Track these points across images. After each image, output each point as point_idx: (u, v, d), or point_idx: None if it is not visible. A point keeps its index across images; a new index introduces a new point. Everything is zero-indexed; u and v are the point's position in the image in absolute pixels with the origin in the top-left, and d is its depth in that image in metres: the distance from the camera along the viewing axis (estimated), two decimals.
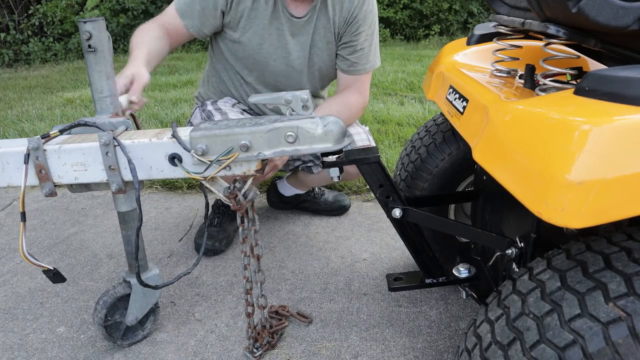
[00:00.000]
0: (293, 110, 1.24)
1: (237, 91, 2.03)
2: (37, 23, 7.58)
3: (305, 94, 1.20)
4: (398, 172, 1.81)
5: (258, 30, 1.84)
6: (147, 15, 7.82)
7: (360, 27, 1.87)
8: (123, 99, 1.44)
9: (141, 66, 1.59)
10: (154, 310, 1.62)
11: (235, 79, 2.01)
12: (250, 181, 1.31)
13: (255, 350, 1.53)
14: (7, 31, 7.49)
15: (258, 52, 1.88)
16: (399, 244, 2.06)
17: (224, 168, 1.22)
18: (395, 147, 3.06)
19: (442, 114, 1.73)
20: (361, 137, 1.97)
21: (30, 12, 7.60)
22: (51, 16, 7.51)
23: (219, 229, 2.13)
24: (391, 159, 2.83)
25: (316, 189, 2.43)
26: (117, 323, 1.54)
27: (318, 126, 1.19)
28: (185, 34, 1.86)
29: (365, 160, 1.32)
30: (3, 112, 4.35)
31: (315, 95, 2.05)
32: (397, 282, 1.51)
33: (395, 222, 1.39)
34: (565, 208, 0.71)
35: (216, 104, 1.98)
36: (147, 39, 1.75)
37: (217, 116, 1.86)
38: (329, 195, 2.45)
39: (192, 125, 2.04)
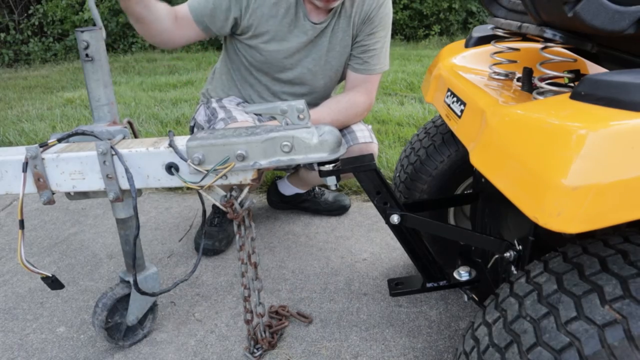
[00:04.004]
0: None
1: (246, 91, 2.03)
2: (37, 23, 7.58)
3: (301, 104, 1.21)
4: (397, 174, 1.82)
5: (276, 37, 1.85)
6: None
7: (375, 29, 1.89)
8: None
9: None
10: (152, 309, 1.63)
11: (247, 79, 2.01)
12: (246, 190, 1.32)
13: (255, 351, 1.54)
14: (7, 31, 7.49)
15: (275, 57, 1.89)
16: (399, 244, 2.06)
17: (221, 177, 1.23)
18: (395, 147, 3.06)
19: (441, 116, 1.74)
20: (364, 133, 1.98)
21: (30, 12, 7.60)
22: (51, 16, 7.51)
23: (218, 228, 2.14)
24: (391, 159, 2.84)
25: (316, 188, 2.43)
26: (117, 324, 1.55)
27: (314, 136, 1.20)
28: (194, 28, 1.82)
29: (361, 168, 1.32)
30: (3, 112, 4.36)
31: (326, 97, 2.06)
32: (398, 287, 1.52)
33: (393, 228, 1.40)
34: (561, 213, 0.71)
35: (221, 102, 1.99)
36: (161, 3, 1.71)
37: (221, 114, 1.87)
38: (329, 195, 2.45)
39: (195, 121, 2.05)
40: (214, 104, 1.98)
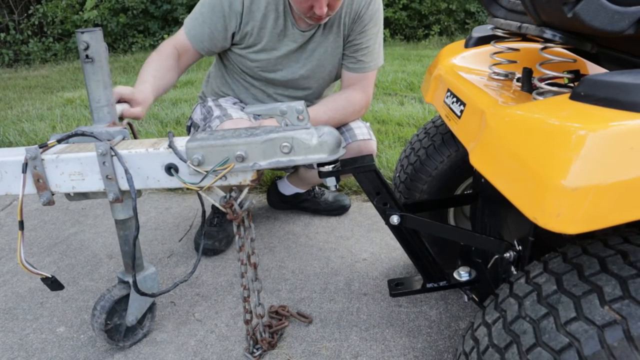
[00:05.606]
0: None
1: (241, 94, 2.05)
2: (37, 23, 7.58)
3: (300, 105, 1.21)
4: (397, 175, 1.81)
5: (267, 48, 1.86)
6: (147, 14, 7.82)
7: (366, 26, 1.89)
8: (118, 108, 1.44)
9: (149, 94, 1.62)
10: (151, 308, 1.63)
11: (241, 83, 2.02)
12: (246, 190, 1.33)
13: (255, 351, 1.54)
14: (7, 31, 7.50)
15: (265, 65, 1.91)
16: (399, 244, 2.06)
17: (220, 178, 1.23)
18: (395, 147, 3.06)
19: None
20: (362, 131, 1.98)
21: (30, 12, 7.60)
22: (51, 16, 7.51)
23: (218, 228, 2.14)
24: (391, 159, 2.84)
25: (316, 188, 2.43)
26: (117, 325, 1.55)
27: (313, 137, 1.20)
28: (196, 55, 1.90)
29: (361, 169, 1.32)
30: (3, 112, 4.36)
31: (322, 96, 2.07)
32: (398, 287, 1.52)
33: (393, 228, 1.40)
34: (560, 214, 0.71)
35: (217, 101, 2.00)
36: (159, 68, 1.78)
37: (217, 112, 1.88)
38: (329, 195, 2.45)
39: (192, 120, 2.06)
40: (210, 103, 1.99)
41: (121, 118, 1.46)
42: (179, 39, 1.88)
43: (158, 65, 1.79)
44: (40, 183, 1.28)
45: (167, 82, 1.80)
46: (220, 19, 1.81)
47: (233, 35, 1.86)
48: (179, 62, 1.86)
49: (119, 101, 1.48)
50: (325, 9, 1.67)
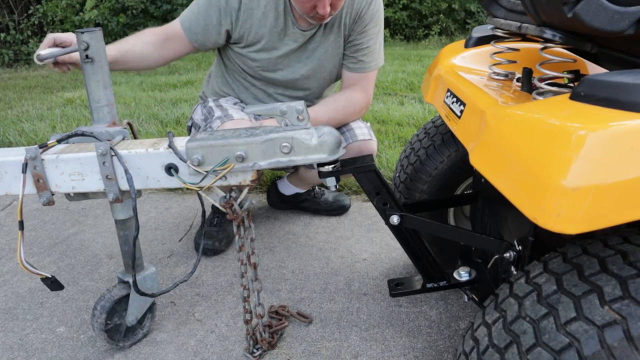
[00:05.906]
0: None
1: (242, 94, 2.05)
2: (37, 23, 7.58)
3: (300, 105, 1.21)
4: (397, 175, 1.82)
5: (267, 47, 1.86)
6: (147, 14, 7.82)
7: (367, 26, 1.89)
8: (51, 51, 1.45)
9: (109, 49, 1.63)
10: (151, 308, 1.63)
11: (242, 83, 2.02)
12: (246, 190, 1.33)
13: (255, 351, 1.54)
14: (7, 31, 7.49)
15: (266, 65, 1.91)
16: (399, 244, 2.06)
17: (220, 178, 1.23)
18: (395, 148, 3.06)
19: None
20: (362, 131, 1.98)
21: (30, 12, 7.60)
22: (51, 16, 7.51)
23: (218, 228, 2.14)
24: (391, 159, 2.84)
25: (316, 188, 2.43)
26: (117, 325, 1.55)
27: (313, 137, 1.20)
28: (188, 46, 1.89)
29: (361, 169, 1.32)
30: (3, 112, 4.36)
31: (319, 97, 2.07)
32: (398, 287, 1.52)
33: (393, 228, 1.40)
34: (560, 214, 0.71)
35: (218, 101, 2.00)
36: (136, 40, 1.82)
37: (217, 112, 1.88)
38: (329, 195, 2.45)
39: (193, 120, 2.06)
40: (211, 103, 1.99)
41: (56, 63, 1.48)
42: (171, 26, 1.88)
43: (135, 36, 1.83)
44: (40, 183, 1.29)
45: (139, 50, 1.80)
46: (215, 12, 1.81)
47: (228, 33, 1.86)
48: (163, 44, 1.85)
49: (59, 45, 1.51)
50: (328, 9, 1.67)
